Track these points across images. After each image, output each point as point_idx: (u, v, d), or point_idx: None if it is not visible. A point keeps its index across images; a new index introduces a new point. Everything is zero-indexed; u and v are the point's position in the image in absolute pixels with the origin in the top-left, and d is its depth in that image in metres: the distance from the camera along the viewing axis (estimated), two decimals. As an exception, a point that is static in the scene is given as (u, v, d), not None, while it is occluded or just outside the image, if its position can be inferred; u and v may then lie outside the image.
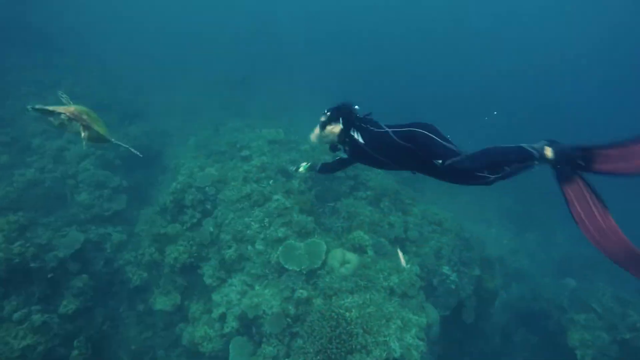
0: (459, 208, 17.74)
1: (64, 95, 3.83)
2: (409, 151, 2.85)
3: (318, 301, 7.22)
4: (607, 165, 2.24)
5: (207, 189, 8.85)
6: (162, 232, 8.44)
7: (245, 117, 16.60)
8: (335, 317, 6.58)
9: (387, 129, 2.95)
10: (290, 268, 7.45)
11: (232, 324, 7.32)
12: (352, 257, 7.90)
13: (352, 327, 6.46)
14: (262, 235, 8.09)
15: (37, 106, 3.50)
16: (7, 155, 9.76)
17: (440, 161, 2.73)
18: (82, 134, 3.71)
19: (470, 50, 43.77)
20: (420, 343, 7.14)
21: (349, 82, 30.57)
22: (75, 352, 7.05)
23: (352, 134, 3.05)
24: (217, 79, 25.95)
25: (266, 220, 8.24)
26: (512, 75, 40.36)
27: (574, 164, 2.31)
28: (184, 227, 8.47)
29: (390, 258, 8.75)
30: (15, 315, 6.84)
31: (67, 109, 3.63)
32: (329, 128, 3.18)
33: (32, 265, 7.19)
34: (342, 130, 3.11)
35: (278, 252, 7.69)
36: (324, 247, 7.87)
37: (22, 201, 8.88)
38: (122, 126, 14.55)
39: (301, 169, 3.87)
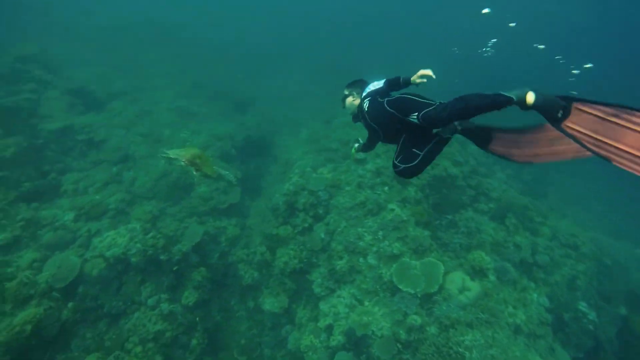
0: (592, 220, 15.37)
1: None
2: (391, 116, 2.94)
3: (432, 330, 6.65)
4: (578, 126, 2.12)
5: (320, 193, 8.67)
6: (274, 233, 8.53)
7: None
8: (454, 355, 5.97)
9: (384, 99, 3.07)
10: (405, 289, 6.96)
11: (338, 337, 7.12)
12: (472, 284, 7.10)
13: (474, 371, 5.79)
14: (375, 249, 7.70)
15: (165, 154, 4.47)
16: (145, 145, 10.74)
17: (415, 114, 2.73)
18: (195, 173, 4.59)
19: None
20: (551, 395, 6.22)
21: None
22: (194, 342, 7.55)
23: (362, 105, 3.26)
24: (323, 66, 25.99)
25: (380, 233, 7.81)
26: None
27: (552, 115, 2.20)
28: (295, 231, 8.44)
29: (515, 286, 7.76)
30: (149, 301, 7.55)
31: (185, 157, 4.47)
32: (349, 100, 3.49)
33: (161, 257, 7.80)
34: (360, 102, 3.34)
35: (392, 270, 7.24)
36: (442, 268, 7.20)
37: (155, 190, 9.71)
38: (237, 113, 15.32)
39: (353, 151, 4.00)
